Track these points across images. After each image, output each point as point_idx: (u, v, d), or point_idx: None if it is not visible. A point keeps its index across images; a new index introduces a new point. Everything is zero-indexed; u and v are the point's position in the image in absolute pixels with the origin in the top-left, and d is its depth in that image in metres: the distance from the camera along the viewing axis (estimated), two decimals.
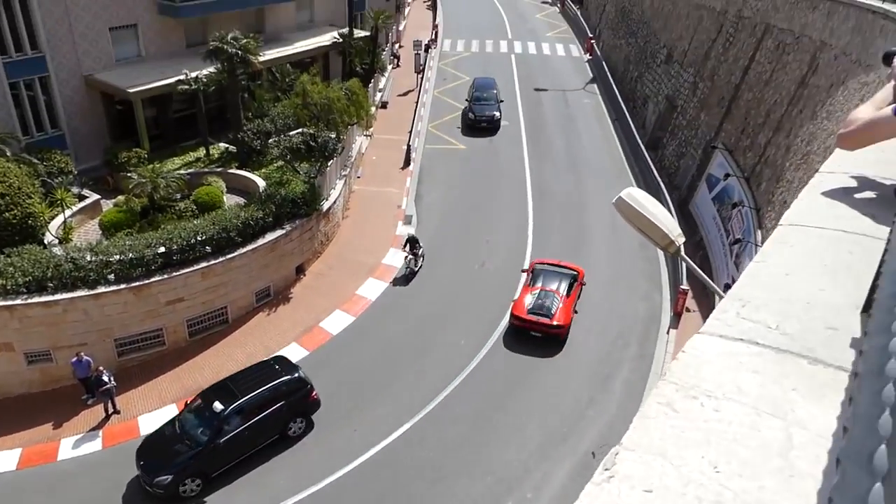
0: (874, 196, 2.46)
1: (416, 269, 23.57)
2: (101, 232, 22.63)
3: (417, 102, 37.03)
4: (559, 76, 43.64)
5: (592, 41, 48.30)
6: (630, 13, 44.90)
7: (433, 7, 58.00)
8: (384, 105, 38.18)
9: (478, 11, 57.84)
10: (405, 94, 39.87)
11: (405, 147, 31.91)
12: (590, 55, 47.57)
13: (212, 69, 27.00)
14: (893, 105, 2.42)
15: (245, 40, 26.48)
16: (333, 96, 25.13)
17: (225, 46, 25.96)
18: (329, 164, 25.04)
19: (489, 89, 36.15)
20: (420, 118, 35.44)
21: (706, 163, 27.83)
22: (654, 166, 30.80)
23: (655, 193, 28.26)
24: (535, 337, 20.39)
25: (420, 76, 39.87)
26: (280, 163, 26.24)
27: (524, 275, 22.80)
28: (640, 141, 33.40)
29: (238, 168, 26.83)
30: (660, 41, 38.49)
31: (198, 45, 29.41)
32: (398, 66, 44.20)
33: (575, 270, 22.34)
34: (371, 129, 33.87)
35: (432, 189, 29.33)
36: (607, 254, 25.07)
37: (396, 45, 46.28)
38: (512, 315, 21.14)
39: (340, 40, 34.90)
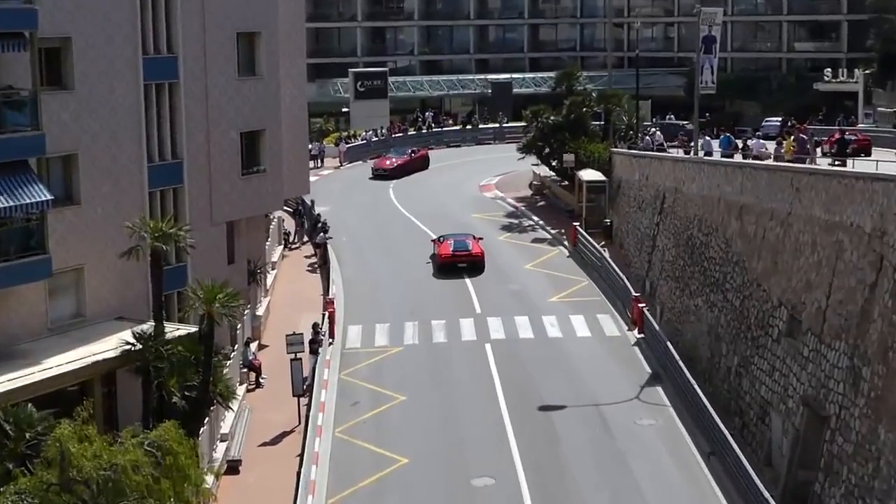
0: None
1: None
2: None
3: (302, 456, 37.01)
4: (584, 380, 44.99)
5: (642, 306, 50.42)
6: (705, 248, 47.62)
7: (322, 266, 61.25)
8: (233, 467, 38.27)
9: (411, 267, 61.21)
10: (275, 440, 40.66)
11: None
12: (640, 331, 49.65)
13: None
14: None
15: None
16: (124, 461, 25.68)
17: None
18: None
19: None
20: (309, 490, 35.00)
21: None
22: None
23: None
24: None
25: (307, 401, 40.89)
26: None
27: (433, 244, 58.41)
28: (766, 495, 32.73)
29: None
30: (770, 295, 40.36)
31: None
32: (259, 386, 45.32)
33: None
34: None
35: None
36: None
37: (254, 346, 47.37)
38: (438, 257, 58.09)
39: (138, 346, 35.33)
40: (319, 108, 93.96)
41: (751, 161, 47.77)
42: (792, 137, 49.05)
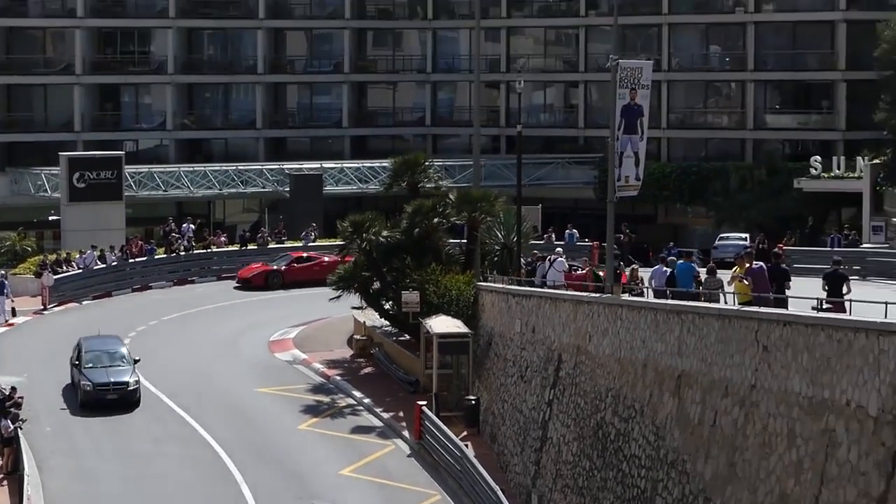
0: None
1: None
2: None
3: None
4: None
5: None
6: (625, 442, 41.37)
7: (10, 475, 47.80)
8: None
9: (154, 474, 47.77)
10: None
11: None
12: None
13: None
14: None
15: None
16: None
17: None
18: None
19: None
20: None
21: None
22: None
23: None
24: None
25: None
26: None
27: None
28: None
29: None
30: None
31: None
32: None
33: None
34: None
35: None
36: None
37: None
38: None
39: None
40: (12, 216, 79.40)
41: (695, 303, 39.61)
42: (739, 268, 37.43)
